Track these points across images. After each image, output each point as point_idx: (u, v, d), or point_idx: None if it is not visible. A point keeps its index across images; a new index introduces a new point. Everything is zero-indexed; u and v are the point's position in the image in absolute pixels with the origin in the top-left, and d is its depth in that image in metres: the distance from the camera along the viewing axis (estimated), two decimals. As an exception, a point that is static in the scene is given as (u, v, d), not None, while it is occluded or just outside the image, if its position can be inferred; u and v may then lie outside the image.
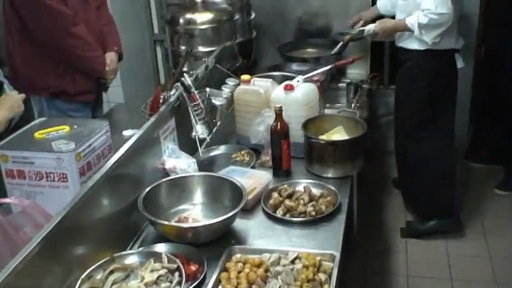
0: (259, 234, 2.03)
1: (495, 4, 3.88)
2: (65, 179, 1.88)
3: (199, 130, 2.45)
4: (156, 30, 4.56)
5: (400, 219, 3.79)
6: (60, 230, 1.55)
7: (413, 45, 3.28)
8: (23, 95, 2.22)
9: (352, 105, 3.32)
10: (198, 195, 2.16)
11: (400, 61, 3.48)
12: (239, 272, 1.71)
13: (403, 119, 3.60)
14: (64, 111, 2.99)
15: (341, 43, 3.59)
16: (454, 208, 3.61)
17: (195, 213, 2.10)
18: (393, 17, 3.45)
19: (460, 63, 3.38)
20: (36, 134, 1.98)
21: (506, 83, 3.81)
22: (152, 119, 2.24)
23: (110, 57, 3.11)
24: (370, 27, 3.35)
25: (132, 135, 2.21)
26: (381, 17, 3.61)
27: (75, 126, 2.04)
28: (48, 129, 2.00)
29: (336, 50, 3.61)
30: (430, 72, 3.34)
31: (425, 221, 3.61)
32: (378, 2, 3.67)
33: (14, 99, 2.18)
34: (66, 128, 2.01)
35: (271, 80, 2.74)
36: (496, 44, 3.85)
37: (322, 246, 1.91)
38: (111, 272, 1.67)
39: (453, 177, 3.60)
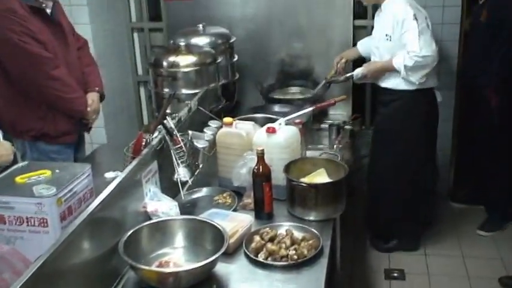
0: (241, 279, 2.01)
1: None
2: (45, 224, 1.86)
3: (182, 173, 2.44)
4: (140, 72, 4.60)
5: (384, 260, 3.79)
6: (40, 276, 1.53)
7: (401, 85, 3.37)
8: (13, 148, 2.23)
9: (335, 146, 3.36)
10: (180, 239, 2.14)
11: (385, 101, 3.54)
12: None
13: (381, 159, 3.68)
14: (46, 153, 2.97)
15: (322, 83, 3.68)
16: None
17: (177, 257, 2.08)
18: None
19: (439, 97, 3.54)
20: (17, 179, 1.97)
21: (484, 127, 3.86)
22: (134, 162, 2.24)
23: (92, 97, 3.12)
24: (358, 70, 3.45)
25: (114, 177, 2.21)
26: (362, 58, 3.71)
27: (57, 170, 2.03)
28: (30, 174, 1.98)
29: (316, 90, 3.77)
30: (418, 110, 3.45)
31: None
32: (358, 44, 3.76)
33: (4, 148, 2.18)
34: (48, 172, 2.00)
35: (253, 122, 2.77)
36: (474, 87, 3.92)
37: (304, 290, 1.90)
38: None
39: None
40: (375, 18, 3.57)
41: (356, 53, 3.77)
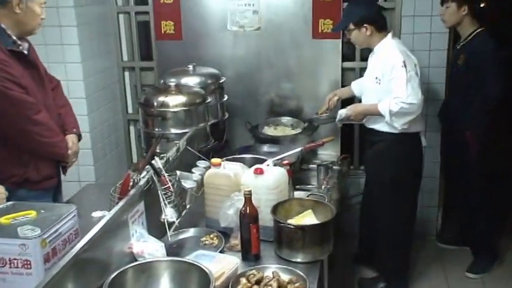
0: (227, 322, 1.99)
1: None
2: (29, 266, 1.84)
3: (169, 214, 2.43)
4: (130, 110, 4.62)
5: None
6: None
7: (384, 128, 3.41)
8: (6, 192, 2.20)
9: (323, 186, 3.36)
10: (166, 281, 2.12)
11: (370, 142, 3.59)
12: None
13: (371, 199, 3.71)
14: (26, 200, 2.86)
15: (314, 117, 3.84)
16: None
17: (162, 300, 2.06)
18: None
19: (424, 142, 3.59)
20: (2, 219, 1.95)
21: (466, 169, 3.89)
22: (121, 203, 2.23)
23: (71, 139, 3.05)
24: (342, 111, 3.48)
25: (101, 216, 2.20)
26: (351, 98, 3.76)
27: (42, 211, 2.02)
28: (15, 214, 1.97)
29: (306, 124, 3.92)
30: (400, 153, 3.47)
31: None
32: (352, 83, 3.84)
33: None
34: (33, 213, 1.98)
35: (241, 163, 2.78)
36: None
37: (289, 334, 1.88)
38: None
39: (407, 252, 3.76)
40: (369, 59, 3.62)
41: (349, 92, 3.83)
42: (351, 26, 3.41)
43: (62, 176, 3.13)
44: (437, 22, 3.86)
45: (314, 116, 3.84)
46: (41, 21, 2.83)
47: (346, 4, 3.74)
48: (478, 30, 3.70)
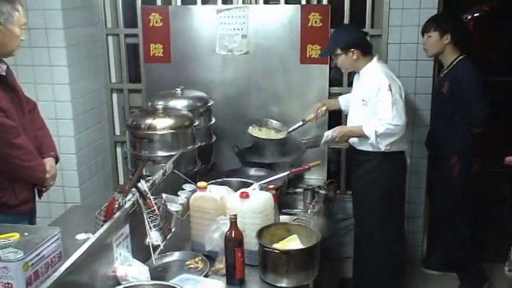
0: None
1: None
2: (11, 289, 1.83)
3: (154, 237, 2.42)
4: (117, 132, 4.62)
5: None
6: None
7: (369, 147, 3.47)
8: None
9: (309, 211, 3.38)
10: (149, 305, 2.11)
11: (358, 162, 3.63)
12: None
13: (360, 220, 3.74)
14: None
15: (299, 124, 3.88)
16: None
17: (145, 324, 2.05)
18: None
19: (408, 160, 3.68)
20: (-15, 242, 1.94)
21: (450, 194, 3.90)
22: (106, 226, 2.22)
23: (49, 163, 3.02)
24: (328, 133, 3.53)
25: (86, 239, 2.19)
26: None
27: (26, 234, 2.01)
28: (-2, 237, 1.97)
29: (292, 129, 3.93)
30: (390, 171, 3.56)
31: None
32: (340, 97, 3.91)
33: None
34: (16, 235, 1.97)
35: (227, 186, 2.78)
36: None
37: None
38: None
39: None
40: (354, 81, 3.70)
41: (336, 105, 3.88)
42: (338, 51, 3.49)
43: (42, 197, 3.10)
44: (423, 50, 3.92)
45: (301, 140, 3.87)
46: (20, 43, 2.80)
47: (332, 30, 3.81)
48: (460, 57, 3.75)
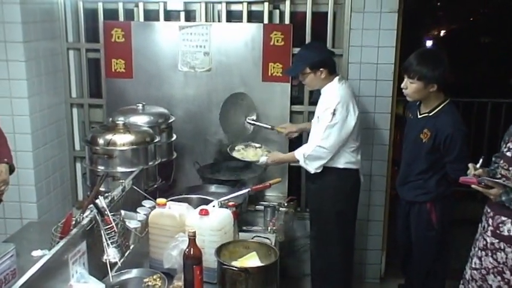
0: None
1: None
2: (-39, 308, 1.78)
3: (111, 254, 2.40)
4: (77, 147, 4.56)
5: None
6: None
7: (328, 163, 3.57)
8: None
9: (269, 228, 3.38)
10: (105, 324, 2.09)
11: (312, 178, 3.70)
12: None
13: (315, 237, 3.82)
14: None
15: (267, 126, 4.06)
16: None
17: None
18: None
19: (361, 179, 3.75)
20: None
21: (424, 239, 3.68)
22: (62, 242, 2.19)
23: (0, 168, 3.03)
24: (263, 159, 3.74)
25: (42, 255, 2.15)
26: None
27: (-22, 250, 1.97)
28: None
29: (256, 123, 4.10)
30: (344, 188, 3.65)
31: None
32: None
33: None
34: (-32, 252, 1.93)
35: (186, 203, 2.78)
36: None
37: None
38: None
39: None
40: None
41: (302, 127, 4.02)
42: (307, 70, 3.53)
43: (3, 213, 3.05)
44: (382, 70, 4.00)
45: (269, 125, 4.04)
46: None
47: (299, 49, 3.82)
48: (445, 103, 3.41)
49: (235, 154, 3.93)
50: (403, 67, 3.44)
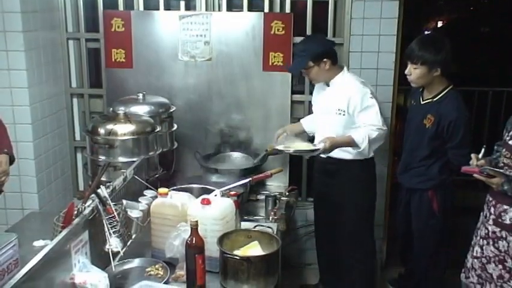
0: None
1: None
2: (-36, 297, 1.79)
3: (113, 243, 2.40)
4: (77, 137, 4.55)
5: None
6: None
7: (349, 156, 3.48)
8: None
9: (270, 217, 3.38)
10: (108, 313, 2.09)
11: (332, 172, 3.60)
12: None
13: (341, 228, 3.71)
14: None
15: (262, 154, 3.80)
16: None
17: (103, 332, 2.02)
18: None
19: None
20: None
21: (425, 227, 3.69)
22: (64, 232, 2.19)
23: (0, 159, 3.01)
24: (321, 145, 3.32)
25: (43, 246, 2.15)
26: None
27: (-19, 240, 1.97)
28: (-49, 243, 1.92)
29: (256, 160, 3.84)
30: (371, 177, 3.62)
31: None
32: (302, 120, 3.89)
33: None
34: (-29, 242, 1.93)
35: (188, 193, 2.78)
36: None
37: None
38: None
39: None
40: (317, 92, 3.67)
41: (299, 128, 3.84)
42: (310, 63, 3.41)
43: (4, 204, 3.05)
44: (383, 59, 3.99)
45: (264, 152, 3.84)
46: None
47: (297, 45, 3.68)
48: (448, 89, 3.43)
49: (289, 149, 3.41)
50: (406, 54, 3.45)
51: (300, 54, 3.50)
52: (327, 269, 3.98)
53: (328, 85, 3.54)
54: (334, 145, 3.35)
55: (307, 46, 3.49)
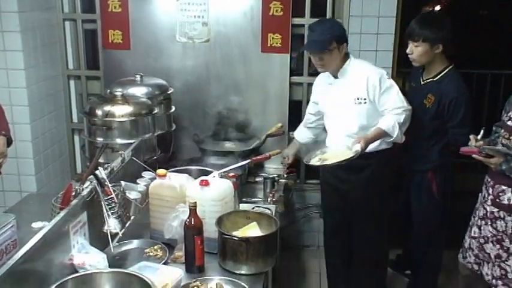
0: (169, 335, 1.97)
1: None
2: (-37, 278, 1.78)
3: (112, 224, 2.39)
4: (75, 119, 4.53)
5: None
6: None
7: (381, 146, 3.27)
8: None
9: (269, 199, 3.38)
10: (107, 293, 2.09)
11: (355, 168, 3.30)
12: None
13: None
14: None
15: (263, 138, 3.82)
16: None
17: (102, 312, 2.02)
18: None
19: None
20: None
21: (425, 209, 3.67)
22: (62, 213, 2.19)
23: None
24: (357, 147, 3.04)
25: (41, 227, 2.14)
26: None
27: (-21, 220, 1.96)
28: (-51, 224, 1.91)
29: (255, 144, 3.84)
30: (392, 166, 3.44)
31: None
32: (296, 133, 3.77)
33: None
34: (-31, 222, 1.93)
35: (186, 174, 2.77)
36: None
37: None
38: None
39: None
40: (325, 89, 3.42)
41: (295, 148, 3.72)
42: (334, 44, 3.15)
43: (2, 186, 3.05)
44: (383, 40, 3.97)
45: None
46: None
47: (314, 24, 3.26)
48: (449, 68, 3.39)
49: (326, 162, 3.12)
50: (407, 33, 3.40)
51: (322, 33, 3.17)
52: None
53: (336, 77, 3.31)
54: (368, 142, 3.09)
55: (330, 26, 3.23)
